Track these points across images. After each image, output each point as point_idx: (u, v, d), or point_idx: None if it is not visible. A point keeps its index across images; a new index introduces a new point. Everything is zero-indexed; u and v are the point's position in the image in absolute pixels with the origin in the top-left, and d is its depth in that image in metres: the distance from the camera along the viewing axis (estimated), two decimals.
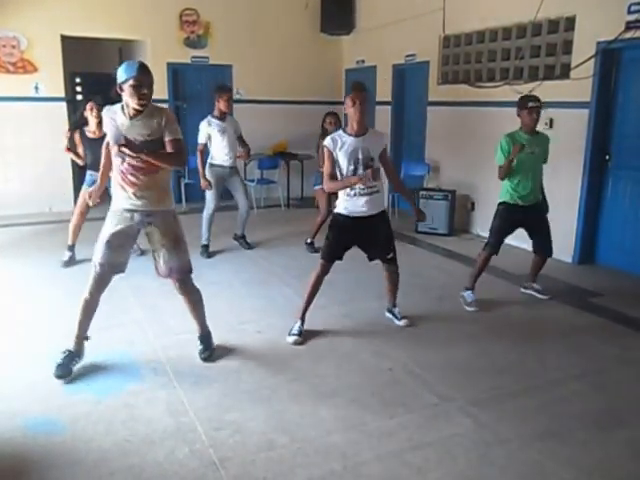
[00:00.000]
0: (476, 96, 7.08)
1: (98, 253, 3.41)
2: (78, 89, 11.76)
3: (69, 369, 3.45)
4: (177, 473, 2.61)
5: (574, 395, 3.37)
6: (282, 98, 9.40)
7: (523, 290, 5.14)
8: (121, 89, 3.23)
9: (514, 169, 4.58)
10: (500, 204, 4.79)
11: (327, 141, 3.96)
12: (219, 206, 6.27)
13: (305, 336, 4.08)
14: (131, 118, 3.29)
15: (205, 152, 6.16)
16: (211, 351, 3.79)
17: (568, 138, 5.83)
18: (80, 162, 5.65)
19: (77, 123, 5.53)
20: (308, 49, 9.58)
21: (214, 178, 6.12)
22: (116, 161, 3.35)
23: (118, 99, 3.33)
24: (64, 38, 8.05)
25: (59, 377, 3.40)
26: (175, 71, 8.87)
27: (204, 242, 6.23)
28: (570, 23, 5.84)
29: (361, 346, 3.98)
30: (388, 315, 4.47)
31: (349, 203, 3.98)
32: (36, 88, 7.94)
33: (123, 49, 9.97)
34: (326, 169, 3.96)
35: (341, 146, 3.90)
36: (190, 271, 3.65)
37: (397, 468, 2.67)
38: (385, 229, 4.13)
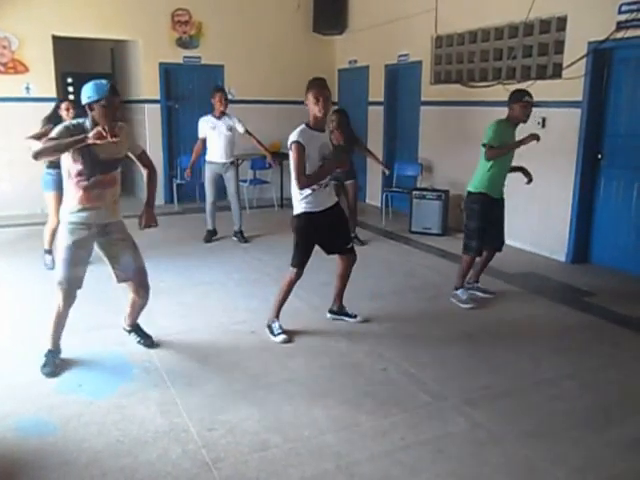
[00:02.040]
0: (469, 96, 7.10)
1: (60, 270, 3.43)
2: (70, 89, 11.69)
3: (55, 366, 3.53)
4: (170, 474, 2.60)
5: (567, 394, 3.38)
6: (274, 98, 9.39)
7: (468, 290, 4.92)
8: (90, 108, 3.25)
9: (499, 159, 4.56)
10: (472, 198, 4.70)
11: (298, 137, 3.79)
12: (216, 199, 6.75)
13: (299, 336, 4.08)
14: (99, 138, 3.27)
15: (203, 148, 6.66)
16: (150, 337, 3.92)
17: (560, 137, 5.85)
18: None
19: (50, 119, 5.45)
20: (300, 49, 9.58)
21: (209, 173, 6.64)
22: (77, 178, 3.32)
23: None
24: (55, 38, 8.02)
25: (48, 375, 3.46)
26: (167, 71, 8.85)
27: (209, 227, 6.81)
28: (562, 23, 5.87)
29: (355, 346, 3.98)
30: (332, 316, 4.40)
31: (314, 198, 3.90)
32: (27, 88, 7.90)
33: (115, 49, 9.95)
34: (299, 167, 3.76)
35: (311, 142, 3.82)
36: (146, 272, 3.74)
37: (390, 467, 2.66)
38: (343, 217, 4.19)
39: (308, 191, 3.87)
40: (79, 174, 3.31)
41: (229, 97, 9.08)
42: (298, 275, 4.02)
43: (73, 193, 3.37)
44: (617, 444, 2.89)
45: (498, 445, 2.86)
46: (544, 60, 6.11)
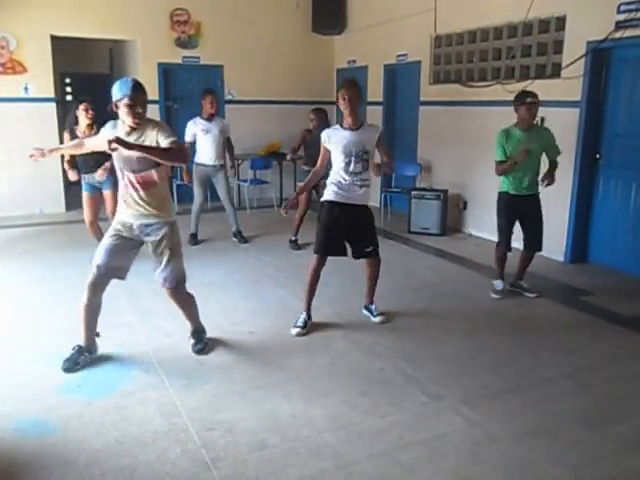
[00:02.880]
0: (468, 96, 7.11)
1: (97, 255, 3.48)
2: (68, 89, 11.72)
3: (76, 363, 3.54)
4: (169, 473, 2.61)
5: (564, 393, 3.39)
6: (274, 98, 9.39)
7: (510, 288, 5.13)
8: (116, 107, 3.31)
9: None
10: (499, 196, 4.89)
11: (322, 135, 4.13)
12: (205, 201, 6.80)
13: (296, 337, 4.10)
14: (128, 134, 3.34)
15: (191, 151, 6.41)
16: (203, 345, 3.86)
17: (559, 137, 5.80)
18: (73, 177, 5.46)
19: (69, 123, 5.50)
20: (299, 49, 9.58)
21: (199, 176, 6.56)
22: (119, 175, 3.47)
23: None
24: (54, 38, 8.01)
25: (66, 370, 3.49)
26: (166, 71, 8.85)
27: (192, 231, 6.66)
28: (561, 23, 5.87)
29: (353, 346, 3.99)
30: (365, 312, 4.49)
31: (336, 188, 4.08)
32: (25, 89, 7.89)
33: (113, 49, 9.95)
34: (318, 163, 4.22)
35: (335, 140, 4.03)
36: (184, 281, 3.73)
37: (388, 467, 2.67)
38: (369, 221, 4.22)
39: (335, 180, 4.09)
40: (118, 169, 3.45)
41: (229, 97, 9.20)
42: (318, 261, 4.14)
43: (120, 189, 3.52)
44: (615, 443, 2.90)
45: (495, 444, 2.87)
46: (543, 60, 6.12)
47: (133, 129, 3.35)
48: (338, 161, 4.05)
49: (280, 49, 9.43)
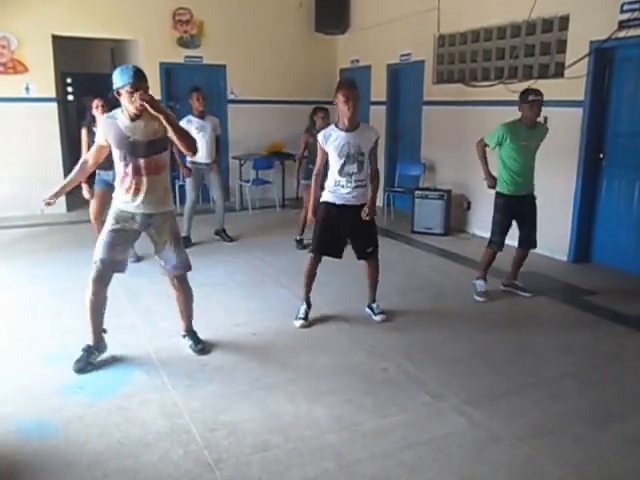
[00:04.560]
0: (471, 95, 7.09)
1: (98, 250, 3.45)
2: (69, 89, 11.71)
3: (88, 363, 3.54)
4: (171, 475, 2.60)
5: (568, 392, 3.38)
6: (276, 98, 9.38)
7: (503, 288, 5.10)
8: (118, 94, 3.29)
9: (511, 159, 4.68)
10: (497, 196, 4.86)
11: (319, 137, 4.09)
12: (198, 200, 6.63)
13: (301, 336, 4.09)
14: (133, 120, 3.33)
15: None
16: (203, 343, 3.86)
17: (562, 136, 5.84)
18: (87, 195, 5.50)
19: (88, 120, 5.47)
20: (302, 49, 9.57)
21: (194, 175, 6.49)
22: (120, 165, 3.40)
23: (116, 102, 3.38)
24: (55, 38, 8.01)
25: (78, 371, 3.49)
26: (168, 71, 8.83)
27: (185, 234, 6.42)
28: (564, 22, 5.86)
29: (356, 346, 3.98)
30: (367, 311, 4.49)
31: (334, 190, 4.09)
32: (27, 88, 7.88)
33: (115, 49, 9.94)
34: (316, 165, 4.20)
35: (332, 141, 4.01)
36: (190, 268, 3.75)
37: (391, 467, 2.66)
38: (368, 221, 4.19)
39: (331, 181, 4.08)
40: (119, 158, 3.38)
41: (231, 97, 9.19)
42: (313, 260, 4.18)
43: (120, 180, 3.43)
44: (618, 442, 2.89)
45: (499, 444, 2.86)
46: (546, 59, 6.10)
47: (137, 116, 3.32)
48: (334, 162, 4.05)
49: (283, 49, 9.42)
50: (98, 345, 3.64)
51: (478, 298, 4.85)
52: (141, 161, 3.36)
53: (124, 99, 3.27)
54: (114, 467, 2.64)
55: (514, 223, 4.90)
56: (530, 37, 6.25)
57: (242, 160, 8.93)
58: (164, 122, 3.23)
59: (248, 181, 8.65)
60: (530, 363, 3.75)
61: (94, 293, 3.49)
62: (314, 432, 2.93)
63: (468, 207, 7.38)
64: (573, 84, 5.69)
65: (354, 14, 9.36)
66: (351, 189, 4.06)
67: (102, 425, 2.97)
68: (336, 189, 4.08)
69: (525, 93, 4.67)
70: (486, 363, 3.74)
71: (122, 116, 3.35)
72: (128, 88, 3.21)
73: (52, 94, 8.11)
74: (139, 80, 3.24)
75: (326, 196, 4.15)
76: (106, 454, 2.73)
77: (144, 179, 3.39)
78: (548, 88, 5.81)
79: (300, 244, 6.44)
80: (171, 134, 3.30)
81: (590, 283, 5.32)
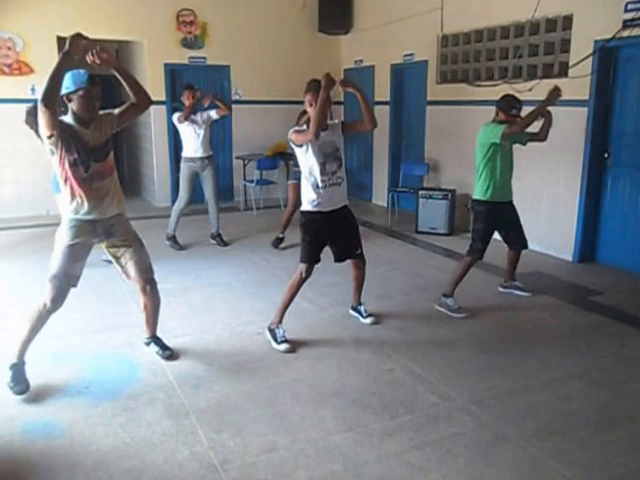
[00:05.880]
0: (475, 95, 7.07)
1: (56, 265, 3.27)
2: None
3: (26, 380, 3.30)
4: (177, 476, 2.59)
5: (574, 393, 3.36)
6: (280, 98, 9.37)
7: (502, 290, 5.05)
8: (69, 99, 3.17)
9: (506, 161, 4.53)
10: (480, 204, 4.66)
11: (297, 128, 4.03)
12: (190, 201, 6.47)
13: (306, 337, 4.08)
14: (87, 126, 3.21)
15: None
16: (170, 349, 3.78)
17: (567, 136, 5.82)
18: None
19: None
20: (306, 49, 9.57)
21: (187, 171, 6.40)
22: (74, 169, 3.20)
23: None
24: (60, 39, 8.02)
25: (21, 393, 3.23)
26: (172, 72, 8.85)
27: (171, 233, 6.42)
28: (568, 22, 5.84)
29: (362, 347, 3.97)
30: (353, 313, 4.45)
31: (317, 196, 3.91)
32: (32, 90, 7.89)
33: (120, 50, 9.95)
34: (303, 134, 3.88)
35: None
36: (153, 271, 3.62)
37: (398, 468, 2.65)
38: (353, 221, 4.16)
39: (315, 188, 3.89)
40: (74, 164, 3.17)
41: (236, 98, 9.19)
42: (307, 272, 3.96)
43: (73, 190, 3.23)
44: (625, 443, 2.87)
45: (505, 445, 2.84)
46: (550, 59, 6.09)
47: (90, 121, 3.21)
48: (313, 163, 3.88)
49: (286, 49, 9.42)
50: (22, 358, 3.35)
51: (457, 315, 4.51)
52: (98, 165, 3.25)
53: (75, 104, 3.15)
54: (119, 468, 2.64)
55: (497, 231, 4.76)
56: (534, 36, 6.24)
57: (246, 160, 8.94)
58: (117, 74, 3.14)
59: (252, 181, 8.65)
60: (536, 364, 3.74)
61: (49, 307, 3.26)
62: (320, 433, 2.92)
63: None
64: (577, 83, 5.67)
65: (357, 14, 9.35)
66: (335, 187, 3.94)
67: (107, 425, 2.97)
68: (318, 195, 3.90)
69: (510, 102, 4.56)
70: (492, 363, 3.73)
71: (74, 122, 3.19)
72: (81, 93, 3.10)
73: None
74: (93, 86, 3.13)
75: (308, 205, 3.96)
76: (111, 455, 2.73)
77: (104, 182, 3.28)
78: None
79: (280, 241, 6.45)
80: (127, 88, 3.20)
81: (596, 283, 5.30)
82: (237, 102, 9.19)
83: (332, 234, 4.05)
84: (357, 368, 3.65)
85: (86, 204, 3.27)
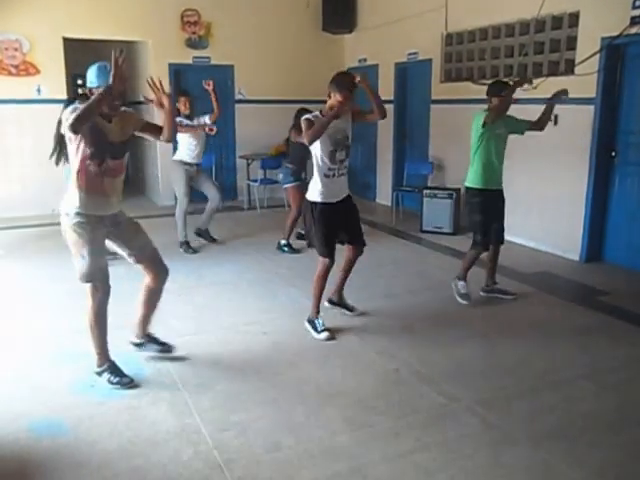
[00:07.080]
0: (480, 94, 6.99)
1: (87, 268, 3.26)
2: (80, 91, 11.75)
3: (124, 374, 3.39)
4: (181, 475, 2.58)
5: (583, 394, 3.33)
6: (284, 98, 9.35)
7: (483, 294, 4.89)
8: (92, 93, 3.17)
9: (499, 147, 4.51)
10: (474, 195, 4.63)
11: (308, 116, 3.94)
12: (190, 201, 6.32)
13: (311, 336, 4.07)
14: (109, 121, 3.22)
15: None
16: (168, 343, 3.75)
17: (574, 134, 5.79)
18: None
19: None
20: (310, 48, 9.55)
21: (184, 176, 6.25)
22: (92, 166, 3.17)
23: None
24: (66, 40, 8.05)
25: (130, 383, 3.36)
26: (177, 72, 8.86)
27: (183, 239, 6.33)
28: (574, 19, 5.80)
29: (367, 346, 3.95)
30: (327, 304, 4.42)
31: (326, 188, 3.97)
32: (38, 90, 7.93)
33: (125, 50, 9.98)
34: (307, 131, 3.84)
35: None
36: None
37: (404, 469, 2.63)
38: (356, 210, 4.23)
39: (324, 178, 3.95)
40: (90, 157, 3.14)
41: (239, 97, 9.19)
42: (331, 261, 4.06)
43: (83, 182, 3.20)
44: (635, 445, 2.84)
45: (513, 447, 2.82)
46: (556, 57, 6.05)
47: (112, 117, 3.21)
48: (324, 151, 3.91)
49: (290, 48, 9.41)
50: (108, 357, 3.43)
51: (461, 301, 4.63)
52: (114, 162, 3.24)
53: None
54: (124, 467, 2.63)
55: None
56: (539, 34, 6.19)
57: (250, 160, 8.93)
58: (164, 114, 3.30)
59: (256, 181, 8.65)
60: (544, 364, 3.71)
61: (99, 306, 3.30)
62: (326, 433, 2.91)
63: None
64: (584, 81, 5.63)
65: (361, 13, 9.34)
66: (342, 177, 4.04)
67: (112, 424, 2.96)
68: (328, 186, 3.96)
69: (499, 87, 4.62)
70: (499, 364, 3.70)
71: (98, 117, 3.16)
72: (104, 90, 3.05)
73: (63, 95, 8.07)
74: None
75: (317, 195, 4.00)
76: (116, 454, 2.73)
77: (116, 178, 3.29)
78: (558, 85, 5.75)
79: (290, 247, 6.30)
80: (165, 118, 3.34)
81: (603, 283, 5.26)
82: (240, 102, 9.19)
83: (343, 222, 4.12)
84: (362, 368, 3.63)
85: (93, 199, 3.24)
